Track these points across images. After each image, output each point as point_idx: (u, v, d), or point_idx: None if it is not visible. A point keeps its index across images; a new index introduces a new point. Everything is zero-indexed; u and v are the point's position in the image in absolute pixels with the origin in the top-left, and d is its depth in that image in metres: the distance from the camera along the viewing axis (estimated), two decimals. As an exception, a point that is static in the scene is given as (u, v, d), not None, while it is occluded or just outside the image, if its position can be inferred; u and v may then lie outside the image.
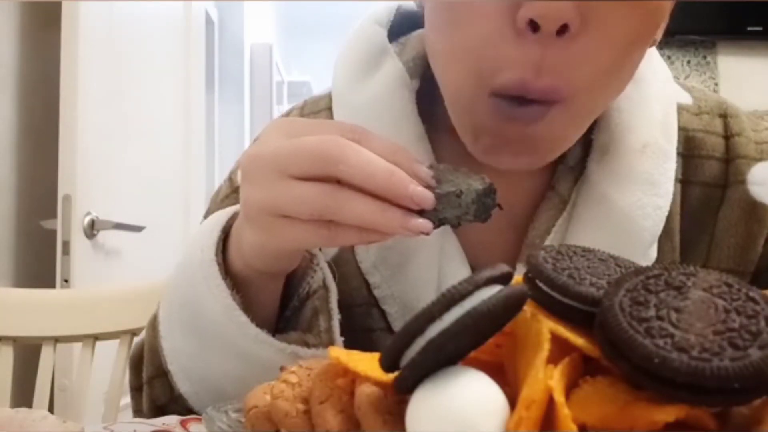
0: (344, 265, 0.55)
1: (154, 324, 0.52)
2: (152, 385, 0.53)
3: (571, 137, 0.47)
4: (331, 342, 0.48)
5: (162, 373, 0.51)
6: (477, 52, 0.43)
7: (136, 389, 0.57)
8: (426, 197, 0.37)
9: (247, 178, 0.41)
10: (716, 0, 2.32)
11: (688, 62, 2.41)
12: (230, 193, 0.60)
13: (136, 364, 0.57)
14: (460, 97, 0.46)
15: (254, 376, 0.43)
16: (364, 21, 0.58)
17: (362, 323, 0.54)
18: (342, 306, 0.55)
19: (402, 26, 0.58)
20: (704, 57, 2.41)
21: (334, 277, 0.51)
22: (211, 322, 0.46)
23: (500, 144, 0.45)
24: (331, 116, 0.57)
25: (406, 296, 0.52)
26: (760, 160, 0.53)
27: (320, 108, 0.59)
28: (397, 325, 0.54)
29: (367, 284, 0.54)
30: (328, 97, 0.58)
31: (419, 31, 0.57)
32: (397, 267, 0.52)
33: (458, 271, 0.52)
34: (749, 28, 2.36)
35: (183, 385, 0.49)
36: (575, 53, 0.41)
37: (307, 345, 0.47)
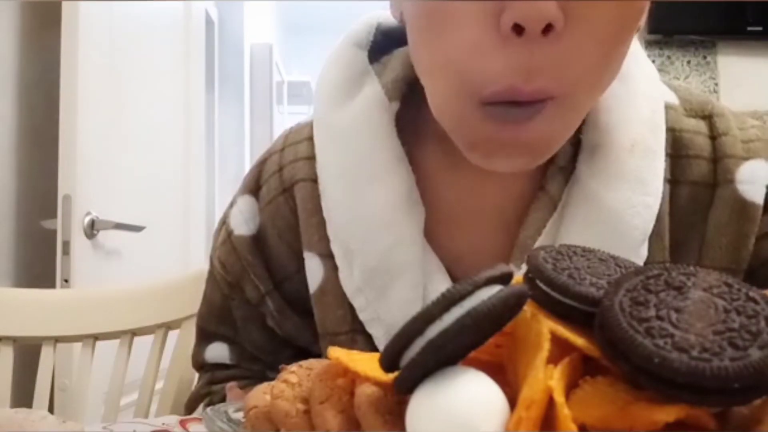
0: (329, 293, 0.55)
1: None
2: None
3: (564, 134, 0.47)
4: None
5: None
6: (462, 64, 0.42)
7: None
8: None
9: None
10: (716, 0, 2.32)
11: (688, 62, 2.41)
12: (226, 238, 0.61)
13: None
14: (450, 110, 0.46)
15: None
16: (343, 43, 0.58)
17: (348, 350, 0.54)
18: (327, 334, 0.55)
19: (382, 45, 0.57)
20: (704, 57, 2.41)
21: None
22: None
23: (495, 149, 0.45)
24: (312, 146, 0.57)
25: (391, 318, 0.52)
26: (748, 158, 0.53)
27: (302, 137, 0.59)
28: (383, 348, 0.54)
29: (352, 310, 0.54)
30: (309, 126, 0.59)
31: (400, 50, 0.56)
32: (382, 289, 0.52)
33: (440, 287, 0.52)
34: (749, 28, 2.36)
35: None
36: (562, 52, 0.41)
37: None
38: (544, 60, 0.41)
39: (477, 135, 0.45)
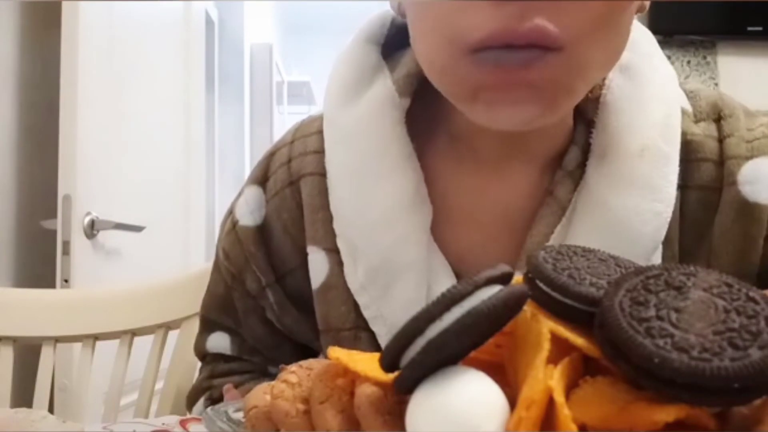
0: (333, 289, 0.55)
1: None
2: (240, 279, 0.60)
3: (576, 90, 0.44)
4: None
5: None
6: (451, 16, 0.41)
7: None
8: None
9: None
10: (716, 0, 2.32)
11: (688, 62, 2.41)
12: (231, 228, 0.61)
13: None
14: (437, 62, 0.44)
15: None
16: (356, 39, 0.57)
17: (351, 347, 0.54)
18: (330, 330, 0.55)
19: (396, 40, 0.56)
20: (704, 57, 2.41)
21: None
22: None
23: (499, 97, 0.42)
24: (321, 140, 0.56)
25: (394, 316, 0.52)
26: (751, 157, 0.51)
27: (312, 131, 0.59)
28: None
29: (356, 307, 0.54)
30: (320, 119, 0.58)
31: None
32: (386, 287, 0.52)
33: (445, 287, 0.51)
34: (749, 28, 2.36)
35: None
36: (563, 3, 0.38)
37: None
38: (542, 3, 0.38)
39: (469, 85, 0.42)
